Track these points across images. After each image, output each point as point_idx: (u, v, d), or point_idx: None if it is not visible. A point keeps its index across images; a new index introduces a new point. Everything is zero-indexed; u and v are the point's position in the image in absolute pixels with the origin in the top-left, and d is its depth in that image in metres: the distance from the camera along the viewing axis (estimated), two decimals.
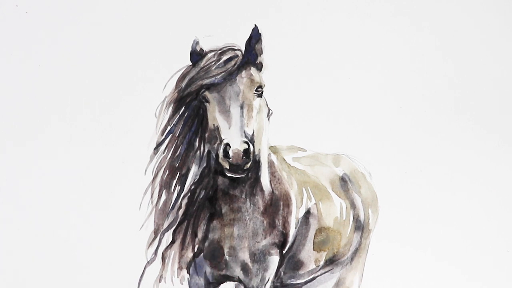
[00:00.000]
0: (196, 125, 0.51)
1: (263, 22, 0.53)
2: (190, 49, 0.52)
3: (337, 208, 0.55)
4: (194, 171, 0.51)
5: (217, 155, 0.49)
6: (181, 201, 0.51)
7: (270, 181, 0.52)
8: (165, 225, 0.51)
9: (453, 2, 0.60)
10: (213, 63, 0.51)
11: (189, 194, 0.51)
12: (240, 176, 0.49)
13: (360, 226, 0.56)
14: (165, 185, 0.51)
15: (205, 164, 0.51)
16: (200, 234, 0.51)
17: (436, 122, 0.58)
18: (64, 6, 0.52)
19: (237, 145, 0.47)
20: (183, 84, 0.51)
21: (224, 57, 0.51)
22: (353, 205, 0.56)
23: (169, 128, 0.51)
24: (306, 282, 0.55)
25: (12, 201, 0.50)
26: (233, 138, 0.47)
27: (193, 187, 0.51)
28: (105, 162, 0.51)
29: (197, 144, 0.51)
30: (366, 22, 0.57)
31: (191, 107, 0.51)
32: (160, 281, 0.51)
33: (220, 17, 0.54)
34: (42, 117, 0.51)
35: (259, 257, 0.51)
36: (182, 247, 0.51)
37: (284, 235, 0.52)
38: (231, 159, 0.47)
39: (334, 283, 0.58)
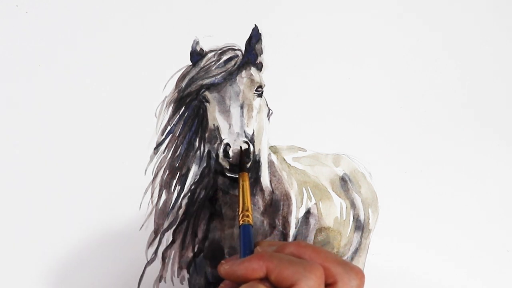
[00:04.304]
0: (196, 125, 0.51)
1: (263, 22, 0.53)
2: (190, 49, 0.52)
3: (337, 208, 0.55)
4: (194, 171, 0.51)
5: (217, 155, 0.49)
6: (181, 201, 0.51)
7: (270, 181, 0.52)
8: (165, 225, 0.51)
9: (453, 1, 0.60)
10: (213, 63, 0.51)
11: (189, 194, 0.51)
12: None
13: (360, 226, 0.56)
14: (165, 185, 0.51)
15: (205, 164, 0.51)
16: (200, 234, 0.51)
17: (436, 122, 0.58)
18: (64, 6, 0.52)
19: (237, 145, 0.47)
20: (183, 84, 0.51)
21: (224, 57, 0.51)
22: (353, 205, 0.56)
23: (169, 128, 0.51)
24: None
25: (11, 201, 0.50)
26: (233, 138, 0.48)
27: (193, 187, 0.51)
28: (105, 162, 0.51)
29: (197, 144, 0.51)
30: (366, 23, 0.57)
31: (191, 107, 0.51)
32: (160, 281, 0.51)
33: (220, 17, 0.54)
34: (42, 117, 0.51)
35: None
36: (182, 247, 0.51)
37: (284, 235, 0.52)
38: (231, 159, 0.47)
39: None
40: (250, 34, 0.52)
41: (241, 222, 0.41)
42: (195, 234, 0.51)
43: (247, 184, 0.45)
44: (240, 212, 0.42)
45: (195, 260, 0.51)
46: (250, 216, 0.42)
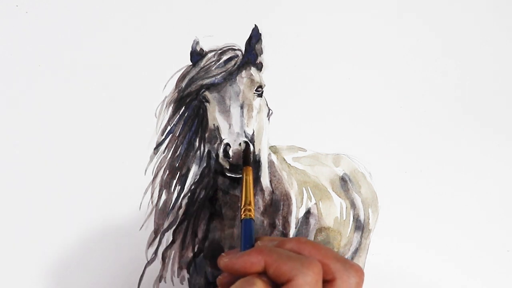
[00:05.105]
0: (196, 125, 0.51)
1: (263, 22, 0.53)
2: (190, 49, 0.52)
3: (337, 208, 0.55)
4: (194, 171, 0.51)
5: (217, 155, 0.49)
6: (181, 201, 0.51)
7: (270, 181, 0.52)
8: (165, 225, 0.51)
9: (453, 1, 0.60)
10: (213, 63, 0.51)
11: (189, 194, 0.51)
12: (240, 176, 0.49)
13: (360, 226, 0.56)
14: (165, 185, 0.51)
15: (205, 164, 0.51)
16: (200, 234, 0.51)
17: (436, 122, 0.58)
18: (64, 6, 0.52)
19: (237, 145, 0.47)
20: (183, 84, 0.51)
21: (224, 57, 0.51)
22: (353, 205, 0.56)
23: (169, 128, 0.51)
24: None
25: (11, 201, 0.50)
26: (233, 138, 0.48)
27: (193, 187, 0.51)
28: (105, 162, 0.51)
29: (197, 144, 0.51)
30: (366, 23, 0.57)
31: (191, 107, 0.51)
32: (160, 281, 0.51)
33: (220, 17, 0.54)
34: (42, 117, 0.51)
35: None
36: (182, 247, 0.51)
37: (284, 235, 0.52)
38: (231, 159, 0.47)
39: None
40: (250, 34, 0.52)
41: (242, 216, 0.41)
42: (195, 234, 0.51)
43: (250, 179, 0.45)
44: (242, 206, 0.42)
45: (195, 260, 0.51)
46: (252, 210, 0.41)
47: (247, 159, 0.47)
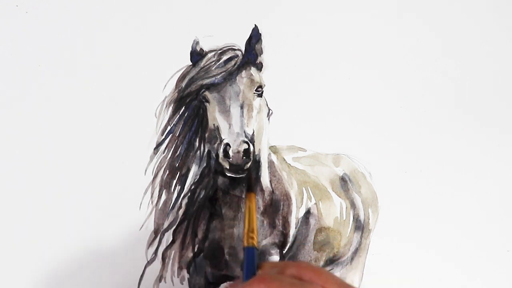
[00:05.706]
0: (196, 125, 0.51)
1: (263, 22, 0.53)
2: (190, 49, 0.52)
3: (337, 208, 0.55)
4: (194, 171, 0.51)
5: (217, 155, 0.49)
6: (181, 201, 0.51)
7: (270, 181, 0.52)
8: (165, 225, 0.51)
9: (453, 1, 0.60)
10: (213, 63, 0.51)
11: (189, 194, 0.51)
12: (240, 176, 0.49)
13: (360, 226, 0.56)
14: (165, 185, 0.51)
15: (205, 164, 0.51)
16: (200, 234, 0.51)
17: (436, 122, 0.58)
18: (64, 6, 0.52)
19: (237, 145, 0.47)
20: (183, 84, 0.51)
21: (224, 57, 0.51)
22: (353, 205, 0.56)
23: (169, 128, 0.51)
24: None
25: (11, 201, 0.50)
26: (233, 138, 0.48)
27: (193, 187, 0.51)
28: (105, 162, 0.51)
29: (197, 144, 0.51)
30: (366, 23, 0.57)
31: (191, 107, 0.51)
32: (160, 281, 0.51)
33: (220, 17, 0.54)
34: (42, 117, 0.51)
35: (260, 257, 0.51)
36: (182, 247, 0.51)
37: (284, 235, 0.52)
38: (231, 159, 0.47)
39: None
40: (250, 34, 0.52)
41: (245, 244, 0.41)
42: (195, 234, 0.51)
43: (253, 205, 0.44)
44: (245, 233, 0.42)
45: (195, 260, 0.51)
46: (255, 238, 0.41)
47: (251, 185, 0.47)
